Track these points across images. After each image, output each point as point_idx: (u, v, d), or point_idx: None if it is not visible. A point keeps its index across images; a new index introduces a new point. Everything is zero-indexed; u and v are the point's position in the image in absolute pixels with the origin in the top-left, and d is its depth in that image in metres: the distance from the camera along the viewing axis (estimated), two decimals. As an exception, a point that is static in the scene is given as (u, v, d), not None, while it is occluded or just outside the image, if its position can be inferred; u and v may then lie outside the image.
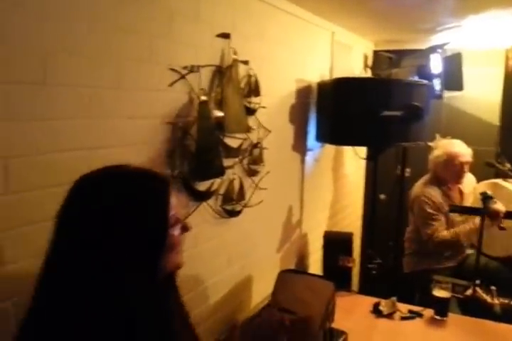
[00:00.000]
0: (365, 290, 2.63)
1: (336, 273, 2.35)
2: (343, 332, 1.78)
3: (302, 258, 2.57)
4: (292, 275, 1.96)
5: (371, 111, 2.13)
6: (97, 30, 1.19)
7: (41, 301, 0.79)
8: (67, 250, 0.79)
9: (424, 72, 2.41)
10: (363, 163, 3.41)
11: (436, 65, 2.45)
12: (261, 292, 2.12)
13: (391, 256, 2.86)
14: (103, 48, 1.21)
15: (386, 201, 3.37)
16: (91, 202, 0.81)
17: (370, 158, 2.36)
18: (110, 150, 1.27)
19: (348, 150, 3.06)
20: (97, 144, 1.23)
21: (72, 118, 1.15)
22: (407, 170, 3.28)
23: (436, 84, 2.44)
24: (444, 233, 2.53)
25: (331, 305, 1.78)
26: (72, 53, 1.13)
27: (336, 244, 2.45)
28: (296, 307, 1.61)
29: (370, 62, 3.24)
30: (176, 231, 0.89)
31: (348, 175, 3.26)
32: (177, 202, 0.90)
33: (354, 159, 3.20)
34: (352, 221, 2.91)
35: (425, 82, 2.25)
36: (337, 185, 3.05)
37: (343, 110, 2.20)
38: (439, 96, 2.55)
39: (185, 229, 0.92)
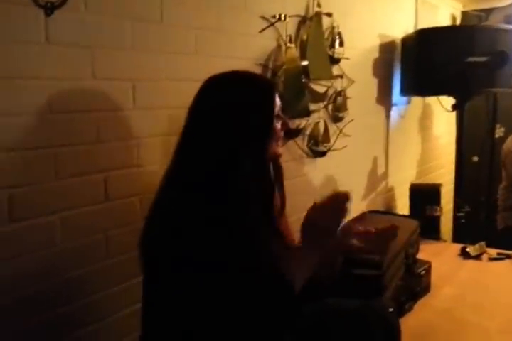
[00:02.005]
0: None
1: (423, 222, 2.42)
2: (427, 262, 1.87)
3: (388, 211, 2.67)
4: (376, 214, 2.08)
5: (455, 58, 2.18)
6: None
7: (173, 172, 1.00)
8: (196, 135, 1.00)
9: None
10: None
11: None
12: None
13: (483, 213, 2.84)
14: (206, -4, 1.46)
15: (479, 163, 3.32)
16: (218, 96, 1.02)
17: (456, 108, 2.38)
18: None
19: (437, 110, 3.07)
20: (200, 77, 1.47)
21: (181, 53, 1.42)
22: (502, 129, 3.21)
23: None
24: None
25: (414, 235, 1.88)
26: (182, -1, 1.39)
27: (423, 194, 2.51)
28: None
29: (458, 22, 3.21)
30: (278, 124, 1.06)
31: (439, 137, 3.26)
32: (279, 103, 1.07)
33: (445, 120, 3.20)
34: (443, 182, 2.91)
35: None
36: (426, 146, 3.08)
37: (427, 59, 2.27)
38: (531, 44, 2.48)
39: (285, 124, 1.09)
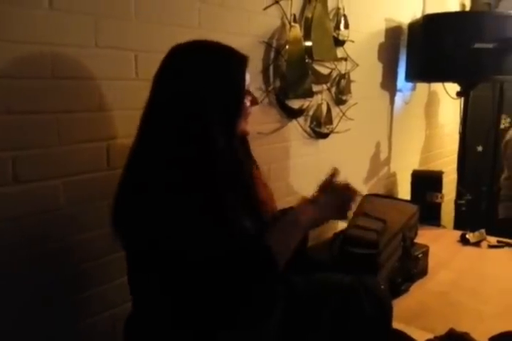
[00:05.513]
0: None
1: (424, 209, 2.41)
2: (425, 245, 1.87)
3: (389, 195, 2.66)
4: (376, 197, 2.08)
5: (462, 44, 2.16)
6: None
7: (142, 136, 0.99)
8: (162, 102, 0.97)
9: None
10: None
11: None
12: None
13: (484, 202, 2.83)
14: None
15: (483, 153, 3.31)
16: (183, 66, 0.97)
17: (461, 95, 2.36)
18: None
19: (443, 98, 3.04)
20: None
21: (185, 27, 1.41)
22: (507, 120, 3.19)
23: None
24: None
25: (413, 219, 1.88)
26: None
27: (424, 181, 2.51)
28: (376, 215, 1.74)
29: (467, 10, 3.17)
30: (247, 101, 1.02)
31: (444, 125, 3.24)
32: (249, 78, 1.02)
33: (450, 109, 3.18)
34: (446, 171, 2.90)
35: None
36: (430, 134, 3.07)
37: (434, 45, 2.24)
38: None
39: (254, 101, 1.05)
